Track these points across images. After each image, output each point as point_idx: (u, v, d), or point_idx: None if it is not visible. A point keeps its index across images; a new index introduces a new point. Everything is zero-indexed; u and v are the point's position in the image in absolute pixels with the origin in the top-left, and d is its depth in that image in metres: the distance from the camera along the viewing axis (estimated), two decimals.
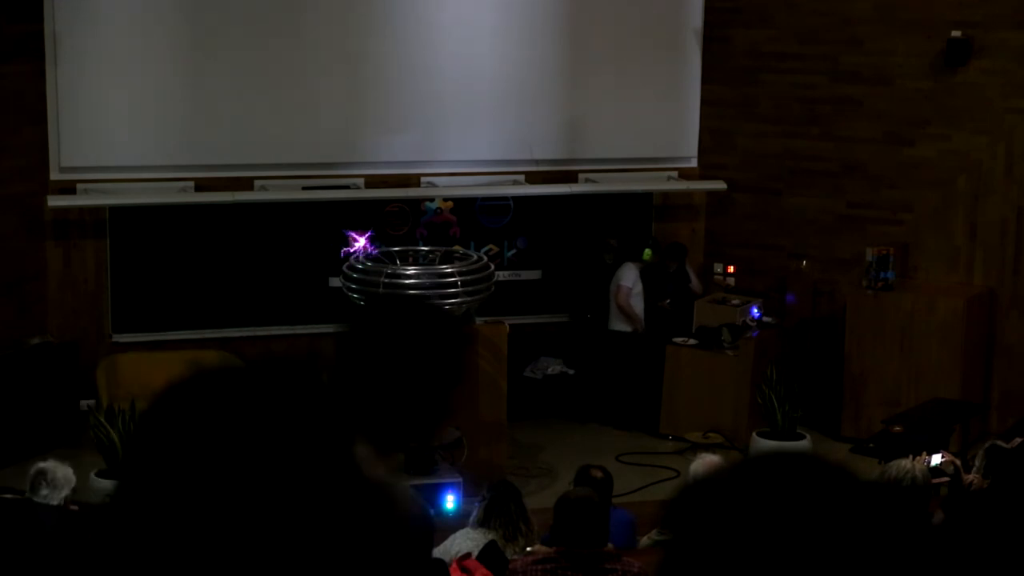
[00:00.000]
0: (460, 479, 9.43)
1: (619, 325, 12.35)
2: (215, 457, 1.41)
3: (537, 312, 12.79)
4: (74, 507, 6.98)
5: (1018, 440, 7.95)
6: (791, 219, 12.83)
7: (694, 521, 1.40)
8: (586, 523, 5.64)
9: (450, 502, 9.20)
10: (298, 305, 12.18)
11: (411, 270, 9.38)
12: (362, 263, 9.45)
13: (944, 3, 11.83)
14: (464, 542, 6.78)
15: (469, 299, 9.55)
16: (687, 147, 13.24)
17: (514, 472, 10.30)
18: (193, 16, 11.77)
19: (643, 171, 13.15)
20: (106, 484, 9.30)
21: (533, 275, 12.90)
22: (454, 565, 5.73)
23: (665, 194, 13.28)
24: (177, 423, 1.45)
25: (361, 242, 9.61)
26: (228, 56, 11.85)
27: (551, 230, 12.85)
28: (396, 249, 9.94)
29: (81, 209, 11.68)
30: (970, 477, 7.57)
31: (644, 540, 7.71)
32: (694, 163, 13.29)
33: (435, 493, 9.10)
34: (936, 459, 7.63)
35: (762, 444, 11.05)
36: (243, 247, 12.04)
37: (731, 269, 12.74)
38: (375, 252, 9.59)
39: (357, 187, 12.29)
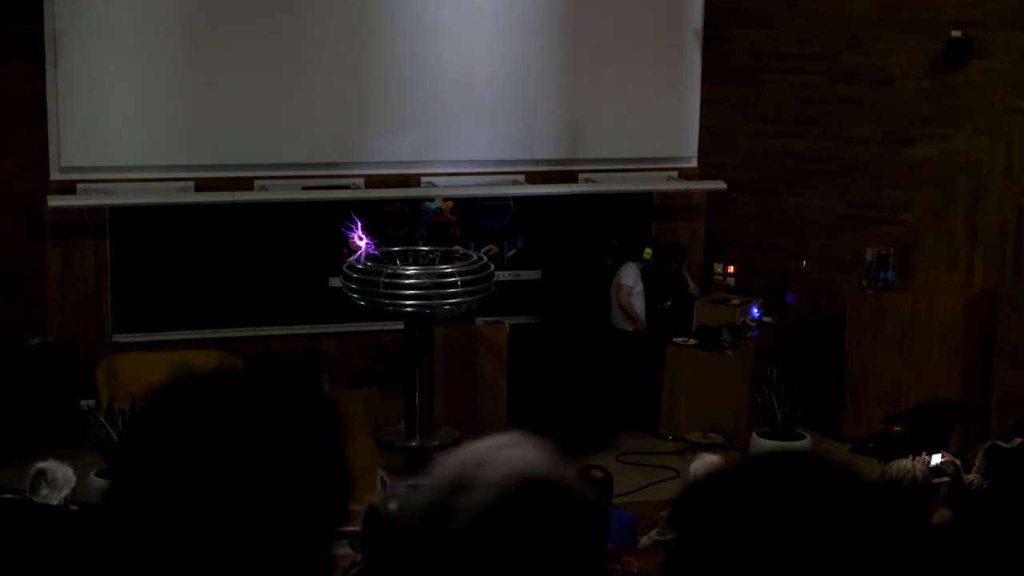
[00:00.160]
0: None
1: (620, 325, 12.35)
2: (201, 459, 1.41)
3: (537, 312, 12.78)
4: (74, 507, 6.98)
5: (1018, 440, 7.95)
6: (791, 219, 12.83)
7: (699, 520, 1.40)
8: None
9: None
10: (298, 305, 12.18)
11: (411, 270, 9.38)
12: (362, 263, 9.45)
13: (944, 3, 11.83)
14: None
15: (469, 299, 9.55)
16: (687, 147, 13.24)
17: None
18: (193, 16, 11.77)
19: (643, 171, 13.15)
20: (106, 484, 9.30)
21: (533, 275, 12.90)
22: None
23: (665, 194, 13.28)
24: (164, 426, 1.45)
25: (363, 243, 9.60)
26: (228, 56, 11.85)
27: (551, 230, 12.85)
28: (396, 249, 9.93)
29: (81, 209, 11.68)
30: (970, 477, 7.57)
31: (644, 540, 7.70)
32: (694, 163, 13.29)
33: None
34: (936, 459, 7.63)
35: (762, 444, 11.05)
36: (243, 247, 12.04)
37: (731, 269, 12.74)
38: (375, 252, 9.59)
39: (357, 187, 12.29)
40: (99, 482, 9.46)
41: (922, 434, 9.34)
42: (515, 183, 12.71)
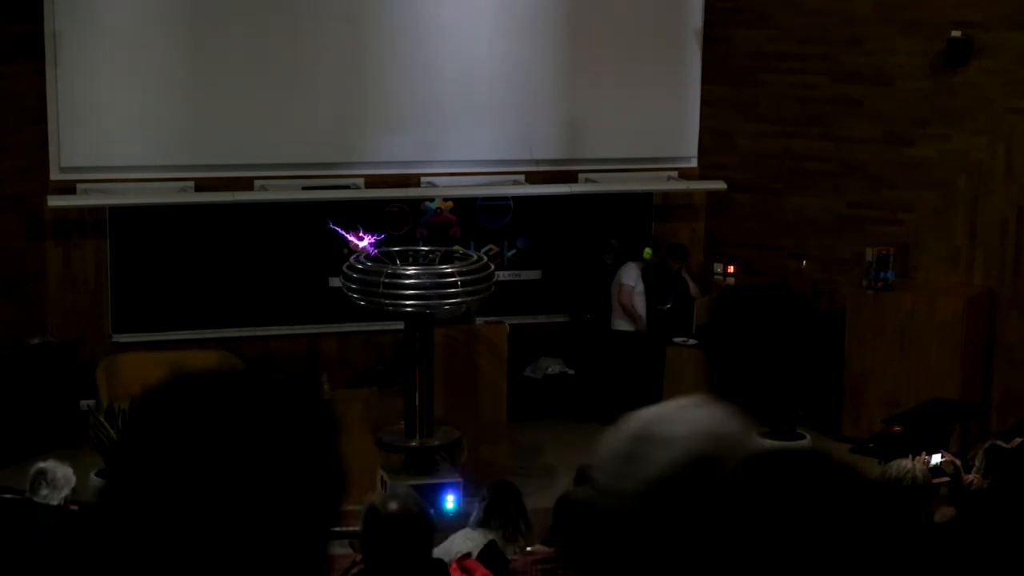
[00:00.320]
0: (460, 479, 9.43)
1: (621, 324, 12.35)
2: (194, 458, 1.41)
3: (537, 312, 12.79)
4: (74, 507, 6.98)
5: (1018, 440, 7.95)
6: (791, 219, 12.83)
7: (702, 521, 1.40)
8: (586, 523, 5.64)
9: (450, 502, 9.20)
10: (298, 305, 12.18)
11: (411, 270, 9.37)
12: (362, 263, 9.44)
13: (944, 3, 11.83)
14: (464, 542, 6.78)
15: (469, 299, 9.55)
16: (687, 147, 13.23)
17: (514, 472, 10.30)
18: (193, 16, 11.77)
19: (643, 171, 13.15)
20: (102, 484, 9.30)
21: (533, 275, 12.90)
22: (454, 565, 5.73)
23: (665, 194, 13.28)
24: (157, 426, 1.45)
25: (363, 243, 9.60)
26: (228, 56, 11.85)
27: (551, 230, 12.85)
28: (396, 249, 9.93)
29: (81, 209, 11.68)
30: (970, 477, 7.57)
31: None
32: (694, 163, 13.29)
33: (435, 493, 9.09)
34: (936, 459, 7.64)
35: (762, 444, 11.03)
36: (243, 247, 12.04)
37: (731, 269, 12.74)
38: (375, 252, 9.58)
39: (357, 187, 12.29)
40: (99, 482, 9.45)
41: (922, 434, 9.34)
42: (515, 183, 12.71)
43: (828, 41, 12.44)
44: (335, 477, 1.49)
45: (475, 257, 9.72)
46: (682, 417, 2.69)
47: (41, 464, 7.12)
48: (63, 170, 11.59)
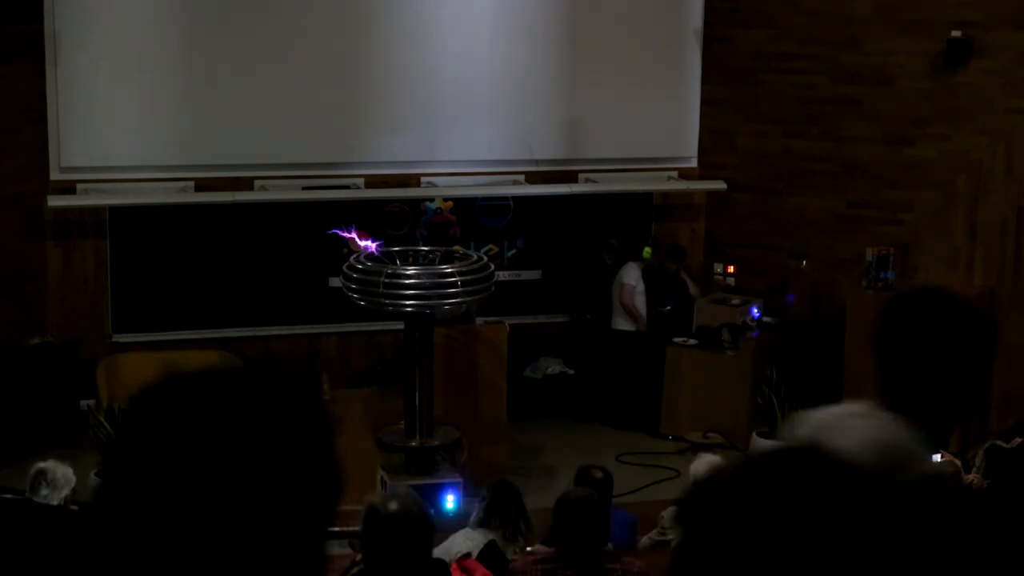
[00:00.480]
0: (460, 479, 9.43)
1: (622, 324, 12.35)
2: (187, 458, 1.41)
3: (537, 312, 12.80)
4: (74, 507, 6.98)
5: (1018, 440, 7.94)
6: (791, 219, 12.83)
7: (704, 518, 1.40)
8: (586, 523, 5.64)
9: (450, 502, 9.20)
10: (298, 305, 12.18)
11: (411, 270, 9.37)
12: (362, 263, 9.44)
13: (944, 3, 11.83)
14: (464, 542, 6.78)
15: (469, 299, 9.55)
16: (687, 147, 13.24)
17: (514, 472, 10.30)
18: (193, 16, 11.77)
19: (643, 171, 13.15)
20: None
21: (533, 275, 12.90)
22: (454, 565, 5.73)
23: (665, 194, 13.28)
24: (150, 425, 1.45)
25: (365, 243, 9.60)
26: (228, 56, 11.85)
27: (551, 230, 12.85)
28: (396, 249, 9.93)
29: (81, 209, 11.68)
30: (970, 477, 7.56)
31: (644, 540, 7.71)
32: (694, 163, 13.29)
33: (435, 493, 9.09)
34: (936, 459, 7.62)
35: (762, 444, 11.04)
36: (243, 247, 12.04)
37: (731, 269, 12.74)
38: (377, 252, 9.58)
39: (357, 187, 12.29)
40: (99, 482, 9.45)
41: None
42: (515, 183, 12.71)
43: (828, 41, 12.44)
44: (332, 476, 1.49)
45: (475, 257, 9.72)
46: (850, 427, 2.64)
47: (41, 464, 7.12)
48: (63, 170, 11.60)
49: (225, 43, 11.86)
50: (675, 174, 13.25)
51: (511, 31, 12.53)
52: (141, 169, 11.76)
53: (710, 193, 13.23)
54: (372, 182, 12.34)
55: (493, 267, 9.76)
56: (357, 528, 4.87)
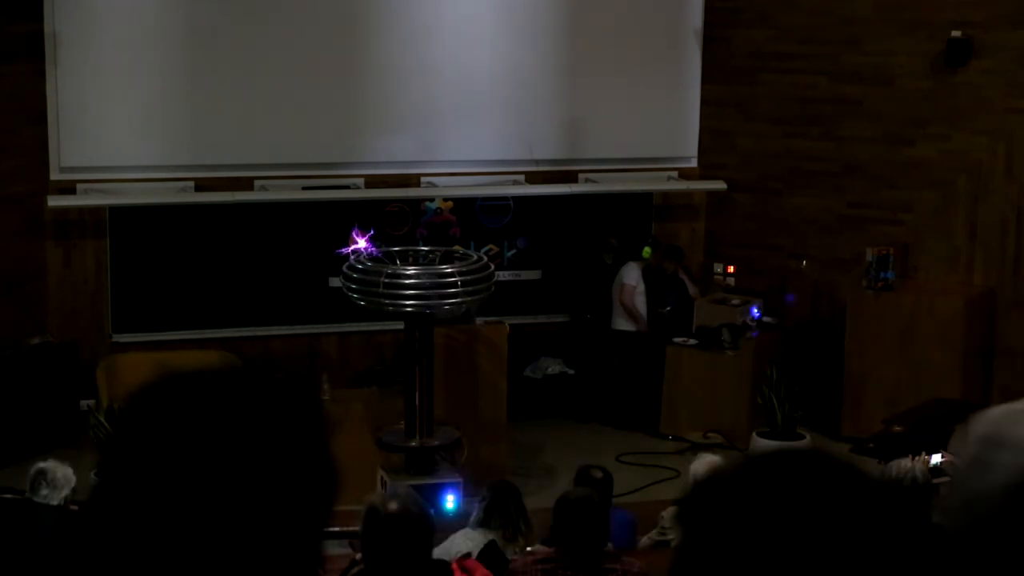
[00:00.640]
0: (460, 479, 9.43)
1: (623, 324, 12.35)
2: (182, 458, 1.41)
3: (537, 312, 12.80)
4: (74, 507, 6.97)
5: None
6: (791, 219, 12.84)
7: (705, 518, 1.40)
8: (586, 523, 5.64)
9: (450, 502, 9.20)
10: (298, 305, 12.18)
11: (411, 270, 9.37)
12: (362, 263, 9.44)
13: (944, 3, 11.83)
14: (464, 542, 6.78)
15: (469, 299, 9.55)
16: (687, 147, 13.24)
17: (514, 472, 10.30)
18: (193, 16, 11.77)
19: (643, 171, 13.15)
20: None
21: (533, 275, 12.90)
22: (454, 565, 5.73)
23: (665, 194, 13.28)
24: (142, 428, 1.45)
25: (361, 243, 9.60)
26: (228, 56, 11.85)
27: (551, 230, 12.85)
28: (396, 249, 9.93)
29: (81, 209, 11.68)
30: None
31: (644, 540, 7.71)
32: (694, 163, 13.29)
33: (435, 493, 9.09)
34: (936, 459, 7.63)
35: (762, 444, 11.04)
36: (243, 247, 12.04)
37: (731, 269, 12.74)
38: (375, 252, 9.58)
39: (357, 187, 12.29)
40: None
41: (922, 434, 9.34)
42: (515, 183, 12.71)
43: (828, 41, 12.44)
44: (327, 475, 1.49)
45: (475, 257, 9.72)
46: None
47: (41, 464, 7.12)
48: (63, 170, 11.59)
49: (225, 43, 11.85)
50: (675, 174, 13.25)
51: (511, 31, 12.53)
52: (141, 169, 11.76)
53: (710, 193, 13.23)
54: (372, 182, 12.34)
55: (493, 267, 9.76)
56: (357, 528, 4.86)
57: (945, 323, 11.48)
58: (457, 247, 10.36)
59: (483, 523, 7.00)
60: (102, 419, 9.74)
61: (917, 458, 7.35)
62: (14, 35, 11.22)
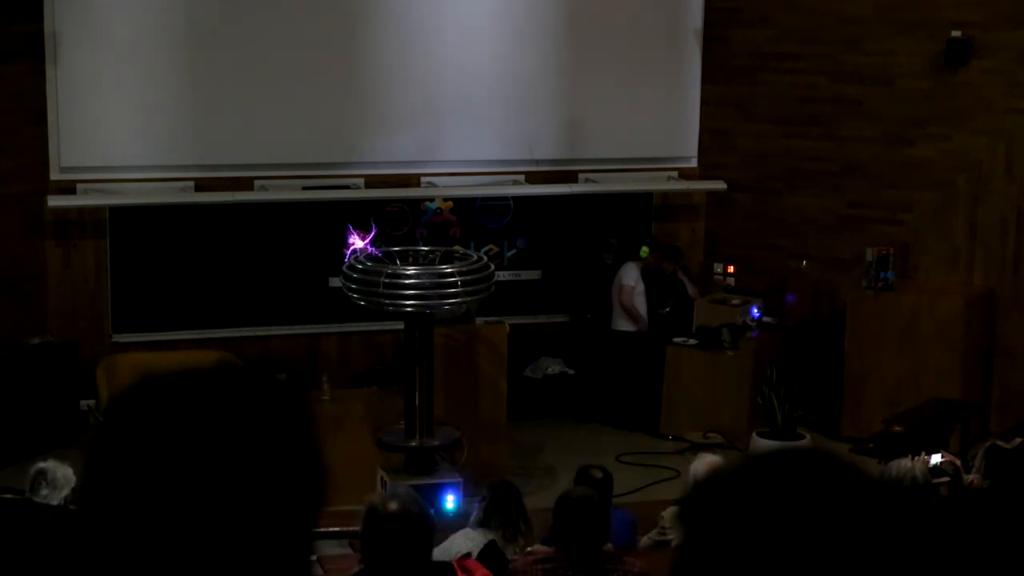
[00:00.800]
0: (460, 479, 9.43)
1: (623, 325, 12.35)
2: (163, 462, 1.40)
3: (537, 312, 12.79)
4: (74, 507, 6.97)
5: (1018, 440, 7.95)
6: (791, 219, 12.83)
7: (707, 518, 1.40)
8: (587, 523, 5.64)
9: (450, 502, 9.20)
10: (298, 305, 12.18)
11: (411, 270, 9.37)
12: (362, 263, 9.44)
13: (944, 3, 11.83)
14: (464, 542, 6.78)
15: (469, 299, 9.55)
16: (687, 147, 13.24)
17: (514, 472, 10.30)
18: (193, 16, 11.77)
19: (643, 171, 13.15)
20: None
21: (533, 275, 12.90)
22: (454, 565, 5.72)
23: (665, 194, 13.28)
24: (123, 433, 1.45)
25: (360, 244, 9.60)
26: (228, 56, 11.85)
27: (551, 230, 12.85)
28: (396, 249, 9.93)
29: (81, 209, 11.68)
30: (970, 477, 7.56)
31: (644, 540, 7.71)
32: (694, 163, 13.29)
33: (435, 493, 9.09)
34: (936, 459, 7.63)
35: (762, 444, 11.04)
36: (243, 247, 12.04)
37: (731, 269, 12.74)
38: (375, 252, 9.58)
39: (357, 187, 12.29)
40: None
41: (922, 434, 9.34)
42: (515, 183, 12.71)
43: (828, 41, 12.44)
44: (314, 472, 1.47)
45: (475, 257, 9.72)
46: None
47: (41, 464, 7.12)
48: (63, 170, 11.59)
49: (225, 43, 11.85)
50: (675, 174, 13.25)
51: (511, 31, 12.53)
52: (141, 169, 11.75)
53: (710, 193, 13.23)
54: (372, 182, 12.34)
55: (493, 267, 9.76)
56: (357, 528, 4.86)
57: (945, 323, 11.48)
58: (457, 247, 10.36)
59: (483, 523, 7.00)
60: (102, 419, 9.73)
61: (917, 458, 7.35)
62: (14, 35, 11.22)
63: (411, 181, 12.48)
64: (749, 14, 12.87)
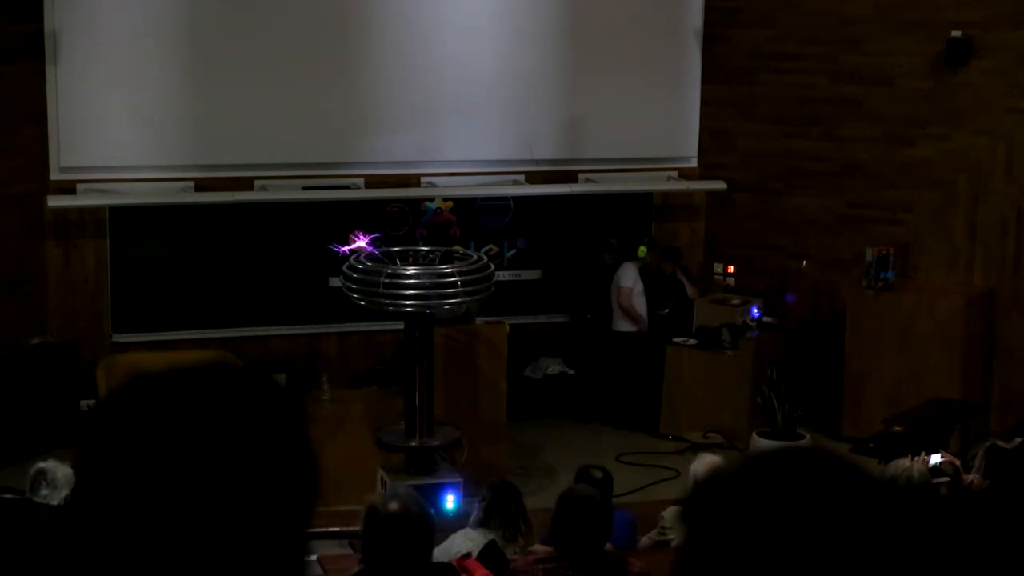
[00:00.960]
0: (460, 479, 9.42)
1: (623, 326, 12.34)
2: (154, 462, 1.40)
3: (537, 312, 12.79)
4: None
5: (1018, 440, 7.95)
6: (791, 219, 12.83)
7: (709, 517, 1.40)
8: (590, 523, 5.63)
9: (450, 502, 9.20)
10: (298, 305, 12.18)
11: (411, 270, 9.37)
12: (362, 263, 9.44)
13: (944, 3, 11.83)
14: (464, 542, 6.78)
15: (469, 299, 9.54)
16: (687, 147, 13.24)
17: (514, 472, 10.30)
18: (193, 16, 11.77)
19: (643, 171, 13.15)
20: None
21: (533, 275, 12.90)
22: (454, 564, 5.72)
23: (665, 194, 13.28)
24: (113, 434, 1.45)
25: (362, 243, 9.60)
26: (228, 56, 11.85)
27: (551, 230, 12.85)
28: (396, 249, 9.93)
29: (81, 209, 11.68)
30: (970, 477, 7.56)
31: (644, 540, 7.70)
32: (694, 163, 13.29)
33: (435, 493, 9.09)
34: (936, 459, 7.63)
35: (762, 444, 11.04)
36: (243, 247, 12.04)
37: (731, 269, 12.75)
38: (375, 252, 9.57)
39: (357, 187, 12.29)
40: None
41: (922, 434, 9.34)
42: (515, 183, 12.71)
43: (828, 41, 12.44)
44: (306, 469, 1.47)
45: (475, 257, 9.72)
46: None
47: (41, 464, 7.11)
48: (63, 170, 11.59)
49: (225, 43, 11.85)
50: (675, 174, 13.25)
51: (511, 31, 12.53)
52: (141, 169, 11.75)
53: (710, 193, 13.23)
54: (372, 182, 12.34)
55: (493, 267, 9.76)
56: (357, 528, 4.86)
57: (945, 323, 11.48)
58: (457, 247, 10.36)
59: (483, 523, 7.00)
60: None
61: (917, 458, 7.35)
62: (14, 35, 11.22)
63: (411, 181, 12.48)
64: (749, 14, 12.87)
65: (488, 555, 6.38)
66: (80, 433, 1.49)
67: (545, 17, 12.61)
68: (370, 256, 9.50)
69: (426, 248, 10.10)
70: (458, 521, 7.95)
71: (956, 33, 11.73)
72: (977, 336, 11.66)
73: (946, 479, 7.45)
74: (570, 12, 12.68)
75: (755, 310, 12.28)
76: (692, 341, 12.09)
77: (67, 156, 11.57)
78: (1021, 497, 6.87)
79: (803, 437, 11.17)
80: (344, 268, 9.58)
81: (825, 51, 12.47)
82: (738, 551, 1.36)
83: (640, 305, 12.33)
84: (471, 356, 10.65)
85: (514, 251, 12.85)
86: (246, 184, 12.00)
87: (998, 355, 11.87)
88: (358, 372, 12.05)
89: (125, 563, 1.38)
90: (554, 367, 12.69)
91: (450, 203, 12.64)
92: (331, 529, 7.41)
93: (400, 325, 9.87)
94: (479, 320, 10.84)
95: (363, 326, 12.07)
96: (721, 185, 13.05)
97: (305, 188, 12.13)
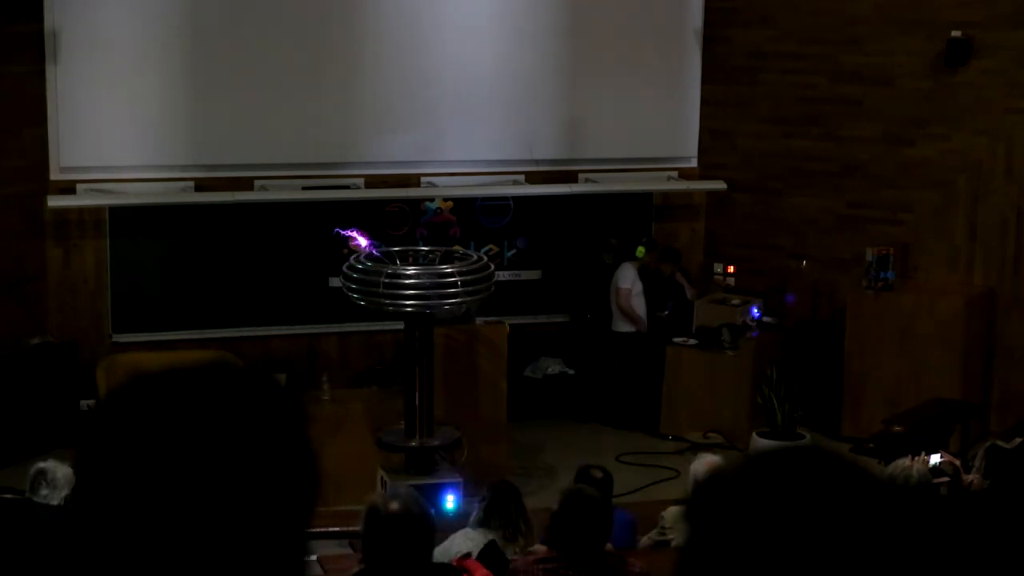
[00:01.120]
0: (460, 479, 9.42)
1: (622, 327, 12.34)
2: (154, 462, 1.40)
3: (537, 312, 12.79)
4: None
5: (1018, 440, 7.95)
6: (791, 219, 12.84)
7: (711, 517, 1.40)
8: (590, 523, 5.63)
9: (450, 502, 9.20)
10: (298, 305, 12.18)
11: (411, 270, 9.37)
12: (362, 263, 9.44)
13: (944, 3, 11.83)
14: (464, 542, 6.78)
15: (469, 299, 9.54)
16: (687, 147, 13.24)
17: (514, 472, 10.30)
18: (193, 16, 11.77)
19: (643, 171, 13.15)
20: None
21: (533, 275, 12.90)
22: (454, 564, 5.72)
23: (665, 194, 13.28)
24: (113, 434, 1.45)
25: (363, 241, 9.60)
26: (228, 56, 11.85)
27: (551, 230, 12.85)
28: (396, 249, 9.92)
29: (81, 209, 11.68)
30: (970, 477, 7.56)
31: (644, 540, 7.70)
32: (694, 163, 13.29)
33: (435, 493, 9.09)
34: (936, 459, 7.63)
35: (762, 444, 11.04)
36: (243, 247, 12.04)
37: (731, 269, 12.75)
38: (375, 252, 9.58)
39: (357, 187, 12.29)
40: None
41: (922, 434, 9.34)
42: (515, 183, 12.71)
43: (828, 41, 12.44)
44: (306, 468, 1.47)
45: (475, 257, 9.72)
46: None
47: (41, 464, 7.12)
48: (63, 170, 11.59)
49: (225, 43, 11.85)
50: (675, 174, 13.25)
51: (511, 31, 12.53)
52: (141, 169, 11.75)
53: (710, 193, 13.23)
54: (372, 182, 12.34)
55: (493, 267, 9.76)
56: (357, 528, 4.86)
57: (945, 323, 11.48)
58: (457, 247, 10.36)
59: (483, 523, 7.00)
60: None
61: (917, 458, 7.35)
62: (14, 35, 11.22)
63: (411, 181, 12.48)
64: (749, 14, 12.87)
65: (488, 555, 6.38)
66: (80, 433, 1.48)
67: (545, 17, 12.62)
68: (370, 256, 9.50)
69: (426, 248, 10.10)
70: (458, 521, 7.95)
71: (956, 33, 11.73)
72: (977, 336, 11.66)
73: (946, 479, 7.45)
74: (570, 12, 12.68)
75: (755, 310, 12.28)
76: (692, 341, 12.09)
77: (67, 156, 11.57)
78: (1021, 497, 6.87)
79: (803, 437, 11.17)
80: (344, 268, 9.59)
81: (825, 51, 12.47)
82: (740, 551, 1.36)
83: (639, 306, 12.33)
84: (471, 356, 10.65)
85: (514, 251, 12.85)
86: (246, 184, 12.00)
87: (998, 355, 11.87)
88: (358, 372, 12.05)
89: (125, 563, 1.38)
90: (554, 367, 12.69)
91: (450, 203, 12.64)
92: (331, 529, 7.41)
93: (400, 325, 9.87)
94: (479, 320, 10.84)
95: (363, 326, 12.07)
96: (721, 185, 13.05)
97: (305, 188, 12.13)
